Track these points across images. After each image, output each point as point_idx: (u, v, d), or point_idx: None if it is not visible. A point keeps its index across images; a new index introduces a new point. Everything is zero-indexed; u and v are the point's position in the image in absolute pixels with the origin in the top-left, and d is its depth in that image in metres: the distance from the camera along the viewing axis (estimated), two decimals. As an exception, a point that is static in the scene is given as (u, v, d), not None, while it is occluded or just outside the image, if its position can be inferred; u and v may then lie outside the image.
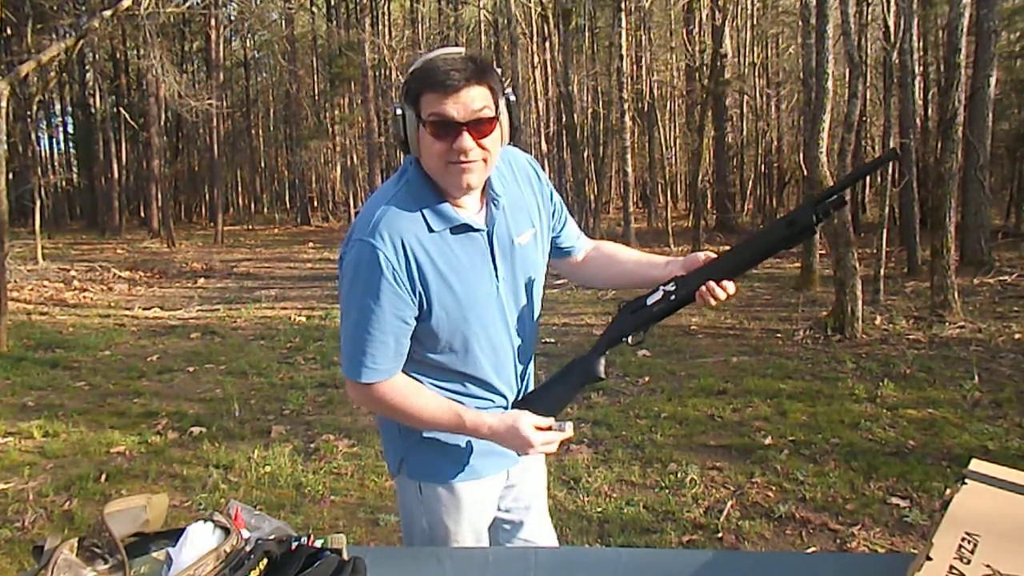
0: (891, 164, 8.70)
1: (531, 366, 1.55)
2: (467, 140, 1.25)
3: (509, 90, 1.32)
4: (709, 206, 17.09)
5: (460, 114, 1.24)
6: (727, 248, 1.44)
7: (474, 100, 1.24)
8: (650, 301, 1.41)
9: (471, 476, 1.48)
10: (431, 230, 1.31)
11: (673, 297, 1.39)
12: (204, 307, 9.00)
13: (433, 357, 1.40)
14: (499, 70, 1.33)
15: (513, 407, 1.47)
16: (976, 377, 4.86)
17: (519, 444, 1.38)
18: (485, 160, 1.30)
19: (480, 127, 1.26)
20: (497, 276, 1.39)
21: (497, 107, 1.29)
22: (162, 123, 19.92)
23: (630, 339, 1.44)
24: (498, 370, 1.45)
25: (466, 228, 1.34)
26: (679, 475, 3.51)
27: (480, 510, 1.52)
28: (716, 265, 1.36)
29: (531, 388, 1.55)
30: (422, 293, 1.32)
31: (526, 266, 1.45)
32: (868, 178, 18.07)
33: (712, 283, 1.34)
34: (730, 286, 1.35)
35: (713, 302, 1.35)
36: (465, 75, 1.23)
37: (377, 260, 1.27)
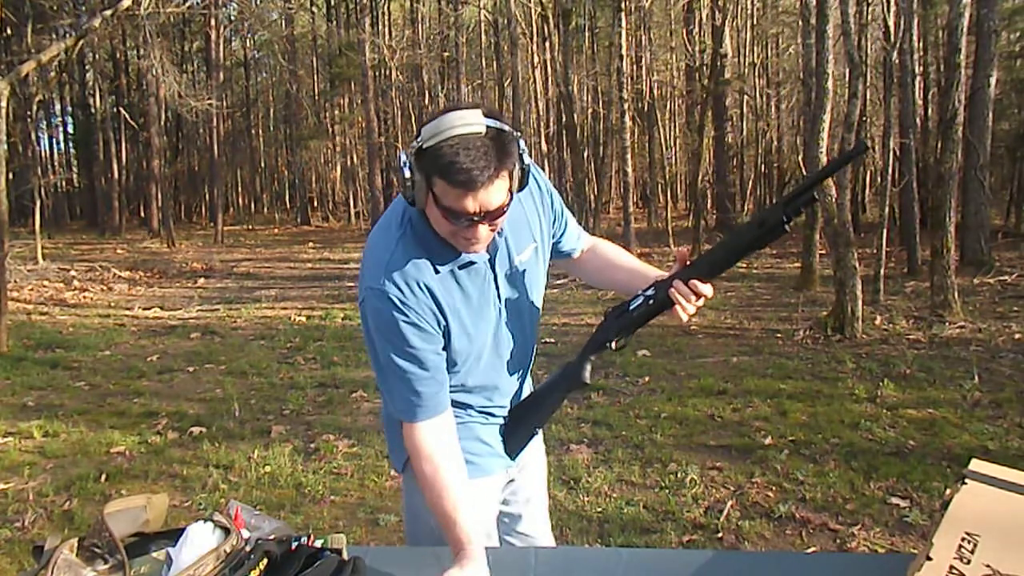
0: (891, 164, 8.70)
1: (529, 371, 1.59)
2: (481, 231, 1.24)
3: (523, 150, 1.25)
4: (709, 206, 17.09)
5: (477, 211, 1.20)
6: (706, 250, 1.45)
7: (492, 196, 1.20)
8: (632, 306, 1.43)
9: (479, 473, 1.50)
10: (437, 271, 1.32)
11: (651, 301, 1.40)
12: (204, 307, 8.99)
13: None
14: (509, 128, 1.20)
15: (508, 413, 1.54)
16: (976, 377, 4.86)
17: None
18: (492, 234, 1.29)
19: (494, 216, 1.23)
20: (499, 300, 1.42)
21: (511, 185, 1.24)
22: (162, 123, 19.91)
23: (614, 344, 1.46)
24: (499, 381, 1.49)
25: (470, 263, 1.35)
26: (679, 475, 3.51)
27: (488, 508, 1.55)
28: (692, 267, 1.36)
29: (527, 390, 1.60)
30: (444, 324, 1.34)
31: (527, 282, 1.47)
32: (868, 178, 18.14)
33: (680, 282, 1.34)
34: (706, 288, 1.34)
35: (687, 304, 1.34)
36: (488, 173, 1.17)
37: (396, 305, 1.28)
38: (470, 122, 1.17)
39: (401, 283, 1.28)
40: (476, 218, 1.21)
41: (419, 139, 1.19)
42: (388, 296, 1.27)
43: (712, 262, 1.36)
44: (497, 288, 1.40)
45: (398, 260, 1.29)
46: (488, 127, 1.18)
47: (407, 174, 1.22)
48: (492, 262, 1.38)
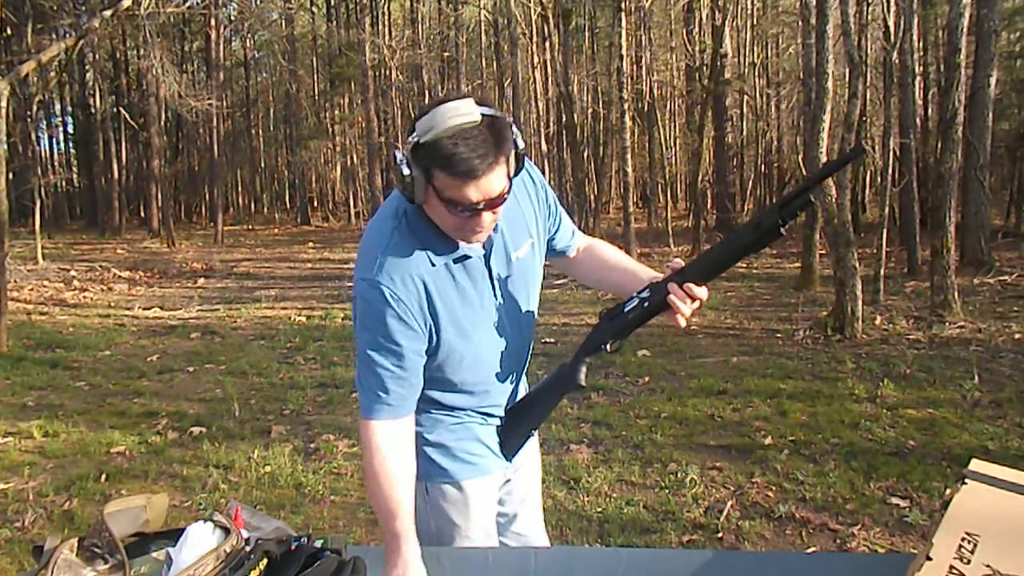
0: (891, 164, 8.69)
1: (524, 371, 1.58)
2: (485, 218, 1.25)
3: (516, 133, 1.26)
4: (709, 206, 17.09)
5: (480, 199, 1.21)
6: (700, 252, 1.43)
7: (493, 183, 1.21)
8: (627, 308, 1.42)
9: (478, 473, 1.51)
10: (433, 264, 1.31)
11: (647, 304, 1.38)
12: (204, 307, 9.00)
13: (436, 374, 1.41)
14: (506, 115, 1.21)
15: (505, 413, 1.53)
16: (976, 377, 4.86)
17: None
18: (495, 220, 1.30)
19: (496, 203, 1.24)
20: (496, 296, 1.41)
21: (508, 169, 1.25)
22: (162, 123, 19.91)
23: (608, 347, 1.44)
24: (495, 380, 1.47)
25: (465, 257, 1.35)
26: (679, 475, 3.51)
27: (488, 507, 1.55)
28: (686, 270, 1.35)
29: (523, 390, 1.59)
30: (432, 324, 1.33)
31: (525, 278, 1.46)
32: (868, 178, 18.13)
33: (675, 285, 1.33)
34: (701, 291, 1.32)
35: (683, 307, 1.32)
36: (488, 160, 1.18)
37: (385, 298, 1.27)
38: (464, 112, 1.18)
39: (394, 275, 1.28)
40: (479, 207, 1.22)
41: (414, 134, 1.20)
42: (380, 286, 1.27)
43: (708, 265, 1.34)
44: (493, 284, 1.40)
45: (392, 252, 1.29)
46: (483, 115, 1.19)
47: (405, 171, 1.22)
48: (487, 257, 1.38)
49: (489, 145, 1.18)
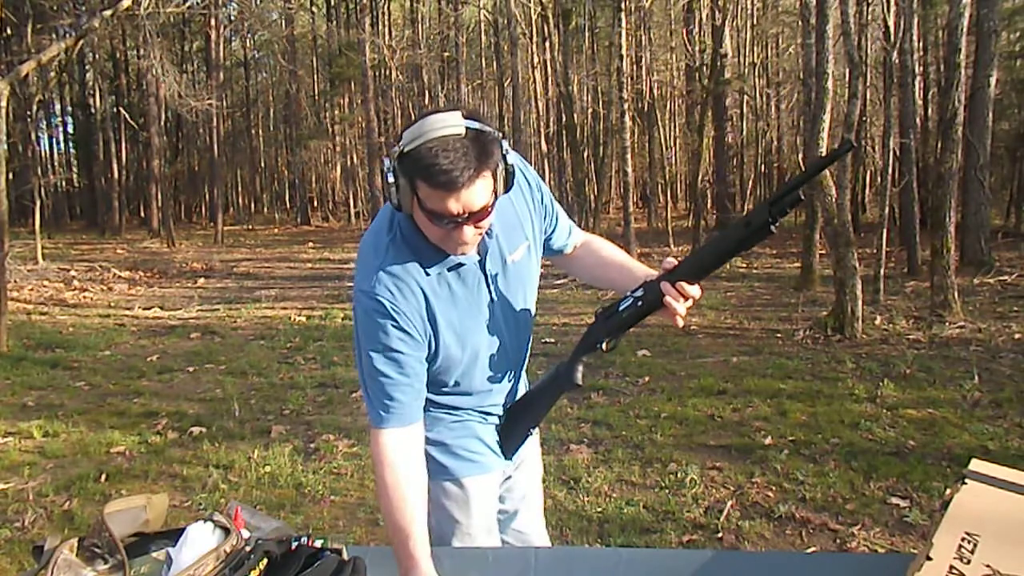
0: (891, 164, 8.69)
1: (523, 370, 1.59)
2: (467, 232, 1.24)
3: (507, 147, 1.25)
4: (709, 206, 17.07)
5: (461, 212, 1.20)
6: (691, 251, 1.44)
7: (474, 197, 1.20)
8: (622, 307, 1.42)
9: (479, 471, 1.52)
10: (428, 273, 1.32)
11: (640, 303, 1.39)
12: (204, 307, 8.99)
13: (436, 376, 1.43)
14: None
15: (505, 412, 1.55)
16: (976, 377, 4.86)
17: None
18: (480, 235, 1.29)
19: (479, 217, 1.23)
20: (493, 300, 1.41)
21: (495, 185, 1.24)
22: (162, 123, 19.91)
23: (604, 345, 1.45)
24: (494, 381, 1.49)
25: (459, 264, 1.35)
26: (679, 475, 3.51)
27: (489, 504, 1.56)
28: (679, 269, 1.35)
29: (522, 389, 1.61)
30: (431, 332, 1.34)
31: (521, 280, 1.47)
32: (868, 178, 18.13)
33: (668, 285, 1.33)
34: (694, 290, 1.33)
35: (677, 306, 1.32)
36: (468, 172, 1.17)
37: (386, 309, 1.28)
38: (449, 124, 1.17)
39: (392, 286, 1.29)
40: (460, 219, 1.21)
41: (400, 143, 1.20)
42: (379, 299, 1.28)
43: (700, 264, 1.34)
44: (490, 289, 1.40)
45: (389, 264, 1.30)
46: (468, 128, 1.18)
47: (391, 179, 1.22)
48: (483, 263, 1.38)
49: (471, 158, 1.17)
